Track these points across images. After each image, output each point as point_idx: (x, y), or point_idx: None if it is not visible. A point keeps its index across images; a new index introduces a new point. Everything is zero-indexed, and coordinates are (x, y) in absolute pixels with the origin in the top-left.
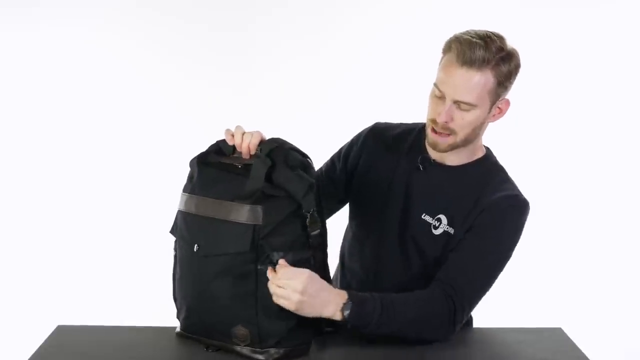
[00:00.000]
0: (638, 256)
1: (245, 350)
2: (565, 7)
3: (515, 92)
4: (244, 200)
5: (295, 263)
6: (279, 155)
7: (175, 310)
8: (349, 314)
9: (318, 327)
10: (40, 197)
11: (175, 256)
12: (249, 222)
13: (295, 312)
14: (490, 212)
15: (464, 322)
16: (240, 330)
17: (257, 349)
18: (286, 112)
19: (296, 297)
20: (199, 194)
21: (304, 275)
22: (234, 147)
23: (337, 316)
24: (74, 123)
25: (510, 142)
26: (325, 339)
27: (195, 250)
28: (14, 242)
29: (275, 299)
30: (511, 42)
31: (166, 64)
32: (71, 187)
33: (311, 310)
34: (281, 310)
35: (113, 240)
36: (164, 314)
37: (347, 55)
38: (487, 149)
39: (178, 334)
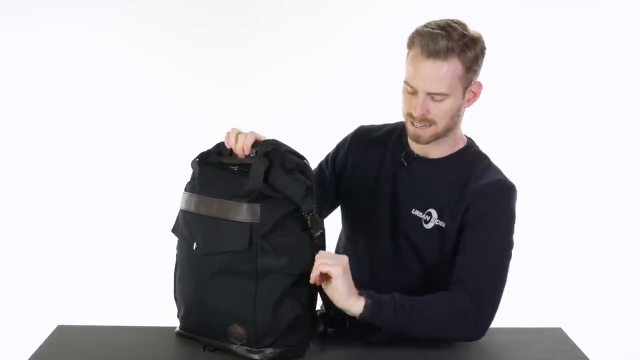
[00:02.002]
0: (638, 256)
1: (241, 350)
2: (564, 7)
3: (510, 89)
4: (242, 199)
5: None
6: (276, 157)
7: (175, 310)
8: (371, 302)
9: (315, 328)
10: (41, 197)
11: (177, 255)
12: (246, 220)
13: (337, 277)
14: (478, 203)
15: (492, 319)
16: (237, 329)
17: (253, 349)
18: (286, 112)
19: (344, 262)
20: (199, 193)
21: (344, 261)
22: (231, 148)
23: (359, 303)
24: (74, 123)
25: (511, 142)
26: (323, 341)
27: (194, 248)
28: (14, 242)
29: (322, 267)
30: (474, 27)
31: (166, 64)
32: (72, 187)
33: (345, 286)
34: (279, 309)
35: (113, 240)
36: (164, 314)
37: (345, 56)
38: (469, 139)
39: (178, 333)
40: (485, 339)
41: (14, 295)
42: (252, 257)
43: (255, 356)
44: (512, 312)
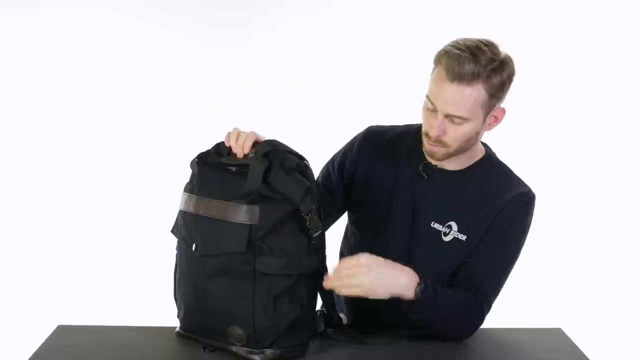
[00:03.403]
0: (638, 256)
1: (241, 351)
2: (565, 7)
3: (516, 91)
4: (241, 200)
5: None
6: (275, 158)
7: (175, 310)
8: (422, 294)
9: (315, 328)
10: (41, 197)
11: (177, 256)
12: (245, 222)
13: (369, 295)
14: (504, 213)
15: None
16: (236, 330)
17: (253, 350)
18: (286, 112)
19: (367, 279)
20: (198, 194)
21: (363, 257)
22: (230, 148)
23: (409, 293)
24: (74, 123)
25: (511, 141)
26: (323, 341)
27: (193, 249)
28: (14, 242)
29: (346, 291)
30: (504, 49)
31: (166, 64)
32: (72, 187)
33: (383, 288)
34: (278, 310)
35: (113, 240)
36: (164, 314)
37: (346, 56)
38: (486, 146)
39: (178, 333)
40: (485, 339)
41: (14, 295)
42: (251, 258)
43: (255, 357)
44: (512, 312)
